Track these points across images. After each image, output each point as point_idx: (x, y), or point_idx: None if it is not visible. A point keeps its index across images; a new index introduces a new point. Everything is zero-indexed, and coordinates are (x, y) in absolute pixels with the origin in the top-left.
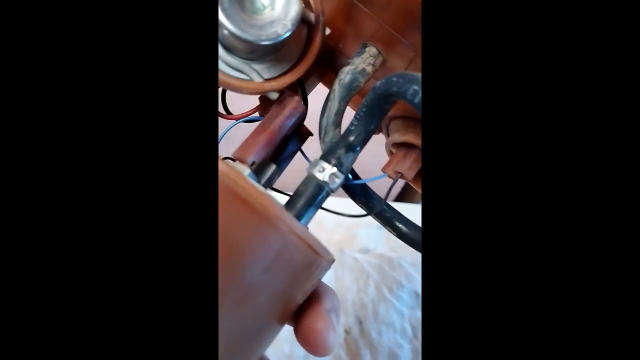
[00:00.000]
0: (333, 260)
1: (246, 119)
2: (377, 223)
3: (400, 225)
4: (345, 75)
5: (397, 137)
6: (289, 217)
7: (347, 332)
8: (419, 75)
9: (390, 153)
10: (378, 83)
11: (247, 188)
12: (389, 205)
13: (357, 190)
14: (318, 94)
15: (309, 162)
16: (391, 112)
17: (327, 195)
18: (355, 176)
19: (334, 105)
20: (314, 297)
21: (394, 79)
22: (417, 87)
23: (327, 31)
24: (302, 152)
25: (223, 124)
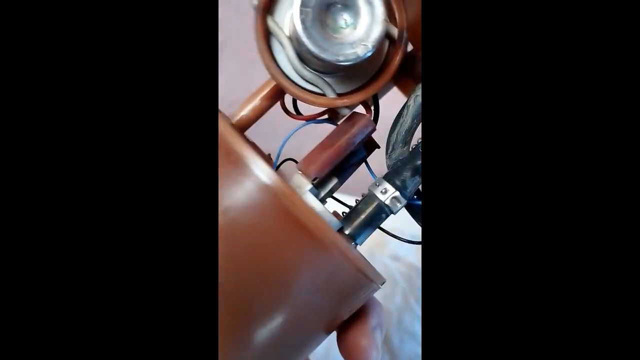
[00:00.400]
0: (384, 282)
1: (315, 120)
2: (410, 231)
3: None
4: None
5: None
6: (342, 242)
7: None
8: None
9: None
10: None
11: (305, 211)
12: None
13: (418, 209)
14: (389, 100)
15: (373, 177)
16: None
17: (387, 216)
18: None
19: (407, 122)
20: (361, 313)
21: None
22: None
23: (410, 47)
24: (367, 164)
25: (292, 123)
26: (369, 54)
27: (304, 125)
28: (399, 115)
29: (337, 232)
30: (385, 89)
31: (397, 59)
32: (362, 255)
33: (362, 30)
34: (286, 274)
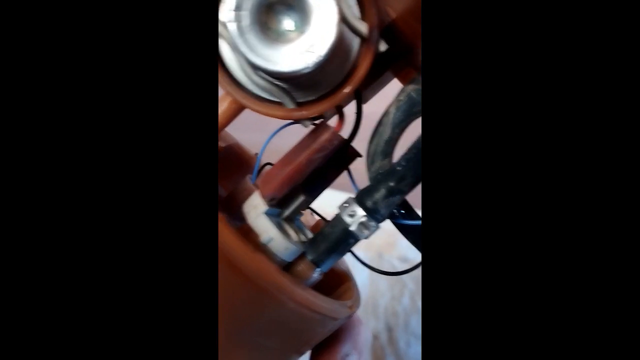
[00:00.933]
0: (353, 311)
1: (297, 121)
2: None
3: None
4: (406, 96)
5: None
6: (288, 283)
7: (375, 337)
8: None
9: None
10: None
11: (240, 252)
12: None
13: (409, 228)
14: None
15: (355, 189)
16: None
17: (355, 242)
18: (410, 212)
19: (386, 131)
20: (334, 338)
21: None
22: None
23: (383, 47)
24: (349, 173)
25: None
26: (320, 61)
27: (286, 126)
28: (379, 122)
29: (278, 270)
30: (380, 84)
31: (367, 61)
32: (316, 293)
33: (312, 34)
34: (235, 317)
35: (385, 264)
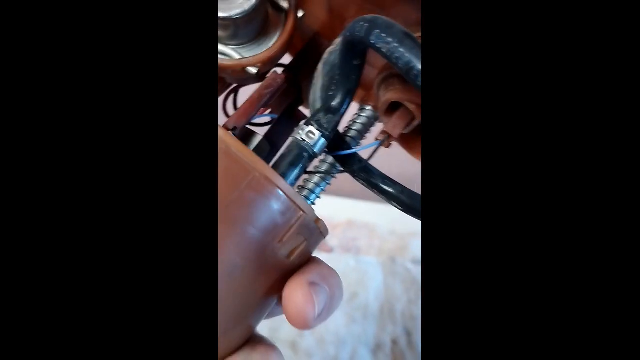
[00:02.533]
0: (315, 218)
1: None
2: None
3: (403, 198)
4: (329, 54)
5: (381, 101)
6: (274, 172)
7: (394, 342)
8: (384, 18)
9: None
10: (341, 35)
11: (239, 147)
12: (391, 180)
13: (354, 166)
14: None
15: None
16: (370, 79)
17: (309, 155)
18: (343, 144)
19: (319, 81)
20: (301, 269)
21: (359, 23)
22: (379, 31)
23: (300, 13)
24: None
25: None
26: (253, 5)
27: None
28: (313, 78)
29: (265, 164)
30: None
31: (290, 21)
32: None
33: None
34: (226, 209)
35: (399, 267)
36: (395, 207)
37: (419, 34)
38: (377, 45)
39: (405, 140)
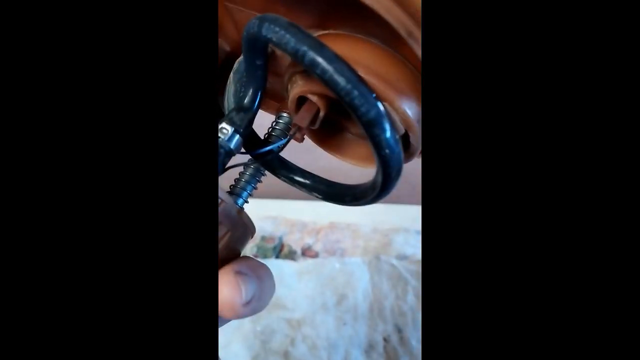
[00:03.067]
0: (237, 209)
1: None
2: (415, 228)
3: (322, 187)
4: (238, 64)
5: (289, 100)
6: None
7: (386, 340)
8: (270, 14)
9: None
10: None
11: None
12: (309, 173)
13: (274, 164)
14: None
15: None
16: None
17: (227, 152)
18: (261, 143)
19: (231, 88)
20: (228, 263)
21: (252, 21)
22: (268, 23)
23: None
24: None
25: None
26: None
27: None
28: (227, 85)
29: None
30: None
31: None
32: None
33: None
34: None
35: (384, 265)
36: (316, 196)
37: (319, 33)
38: (269, 36)
39: (318, 137)
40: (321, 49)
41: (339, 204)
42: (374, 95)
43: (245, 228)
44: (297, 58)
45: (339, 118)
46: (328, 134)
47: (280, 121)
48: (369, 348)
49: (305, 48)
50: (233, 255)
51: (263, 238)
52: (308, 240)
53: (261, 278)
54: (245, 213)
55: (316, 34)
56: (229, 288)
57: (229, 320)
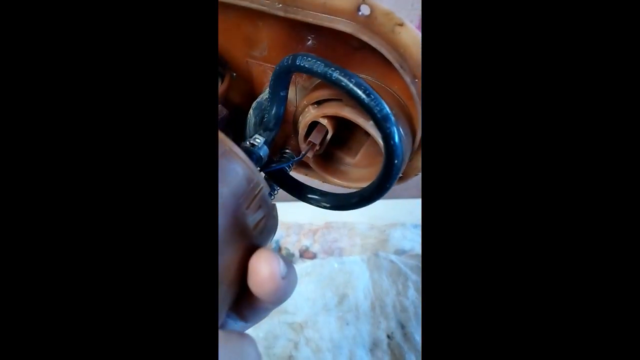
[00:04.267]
0: (267, 190)
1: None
2: (412, 222)
3: (329, 199)
4: (257, 103)
5: (301, 127)
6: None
7: (389, 337)
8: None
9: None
10: (273, 71)
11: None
12: (316, 188)
13: (287, 181)
14: None
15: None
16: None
17: (257, 158)
18: (273, 161)
19: (251, 120)
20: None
21: (285, 58)
22: (302, 56)
23: (234, 74)
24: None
25: None
26: None
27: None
28: (245, 122)
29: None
30: None
31: (225, 81)
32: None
33: None
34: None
35: (383, 261)
36: (324, 207)
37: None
38: (302, 64)
39: (320, 165)
40: (343, 70)
41: (348, 210)
42: (384, 101)
43: (275, 220)
44: (326, 77)
45: (337, 151)
46: (327, 163)
47: (286, 151)
48: (373, 346)
49: (332, 70)
50: (263, 242)
51: None
52: (305, 242)
53: (289, 265)
54: (276, 206)
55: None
56: (268, 262)
57: (267, 312)
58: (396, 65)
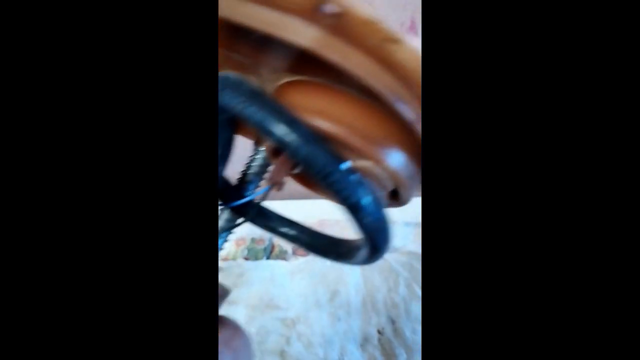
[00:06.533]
0: None
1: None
2: (403, 220)
3: (304, 238)
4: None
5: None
6: None
7: (380, 332)
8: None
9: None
10: None
11: None
12: (289, 221)
13: (250, 213)
14: None
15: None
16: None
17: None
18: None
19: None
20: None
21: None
22: (237, 95)
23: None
24: None
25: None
26: None
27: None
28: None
29: None
30: None
31: None
32: None
33: None
34: None
35: None
36: (299, 247)
37: (293, 78)
38: (231, 106)
39: (303, 181)
40: (294, 125)
41: (323, 258)
42: (355, 176)
43: (222, 289)
44: (265, 134)
45: None
46: (310, 180)
47: (258, 156)
48: (364, 341)
49: (273, 124)
50: None
51: (253, 240)
52: None
53: (236, 350)
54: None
55: (290, 78)
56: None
57: None
58: (391, 99)
